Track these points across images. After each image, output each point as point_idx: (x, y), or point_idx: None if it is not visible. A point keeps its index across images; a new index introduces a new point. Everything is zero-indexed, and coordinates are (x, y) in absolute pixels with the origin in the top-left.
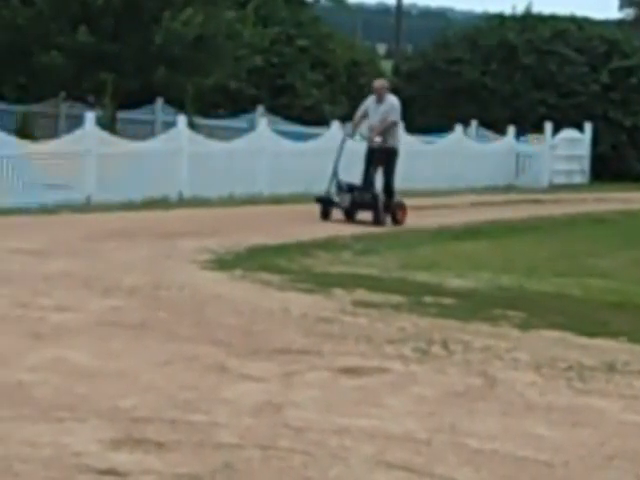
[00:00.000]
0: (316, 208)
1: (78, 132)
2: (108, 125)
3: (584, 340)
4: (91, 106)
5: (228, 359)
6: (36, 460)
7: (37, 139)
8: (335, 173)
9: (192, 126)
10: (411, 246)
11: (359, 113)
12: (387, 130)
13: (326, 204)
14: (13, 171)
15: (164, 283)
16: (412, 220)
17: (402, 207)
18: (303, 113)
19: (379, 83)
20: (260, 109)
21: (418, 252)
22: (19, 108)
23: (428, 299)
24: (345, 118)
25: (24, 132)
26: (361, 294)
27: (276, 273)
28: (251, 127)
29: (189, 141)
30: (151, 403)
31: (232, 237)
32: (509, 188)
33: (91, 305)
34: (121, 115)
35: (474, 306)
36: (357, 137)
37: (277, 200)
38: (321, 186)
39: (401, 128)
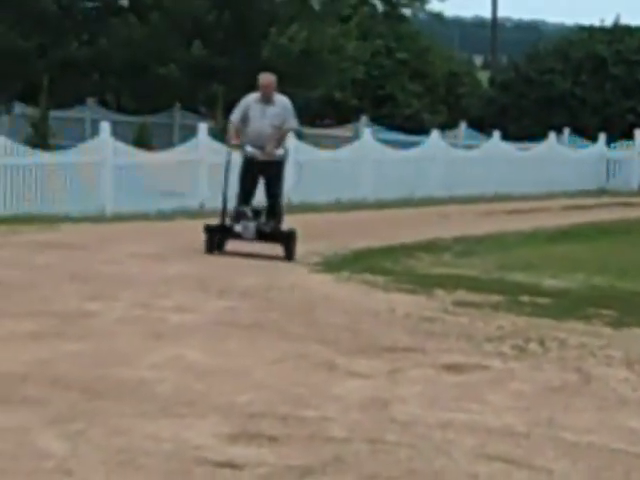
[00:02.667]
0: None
1: (192, 142)
2: (219, 135)
3: None
4: (203, 117)
5: (337, 357)
6: (158, 453)
7: (153, 149)
8: (225, 198)
9: (299, 136)
10: (508, 248)
11: (237, 116)
12: (282, 141)
13: (222, 234)
14: (131, 179)
15: (275, 285)
16: (509, 224)
17: (295, 237)
18: (404, 122)
19: (267, 79)
20: (364, 119)
21: (515, 254)
22: (137, 119)
23: (525, 298)
24: (444, 127)
25: (141, 142)
26: (461, 294)
27: (381, 275)
28: (356, 136)
29: (296, 150)
30: (265, 399)
31: (339, 241)
32: (601, 192)
33: (207, 306)
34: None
35: (569, 305)
36: (249, 148)
37: (381, 205)
38: (423, 191)
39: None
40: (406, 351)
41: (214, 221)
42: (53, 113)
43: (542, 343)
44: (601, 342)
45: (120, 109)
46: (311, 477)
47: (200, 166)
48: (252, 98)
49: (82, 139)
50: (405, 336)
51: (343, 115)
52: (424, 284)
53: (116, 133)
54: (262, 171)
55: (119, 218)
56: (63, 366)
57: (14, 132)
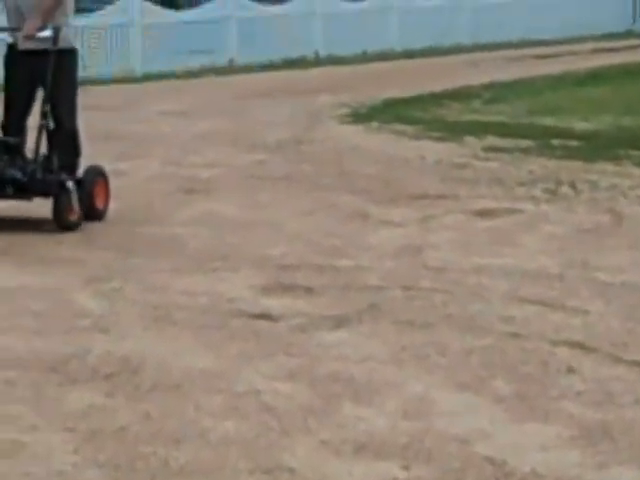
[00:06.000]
0: None
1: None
2: None
3: None
4: None
5: (369, 206)
6: (193, 308)
7: (181, 7)
8: None
9: None
10: (537, 93)
11: None
12: (53, 9)
13: None
14: (159, 38)
15: (305, 137)
16: (538, 68)
17: (102, 181)
18: None
19: None
20: None
21: (544, 98)
22: None
23: (555, 142)
24: None
25: (168, 1)
26: (491, 140)
27: (410, 124)
28: None
29: (322, 3)
30: (298, 250)
31: (367, 92)
32: (627, 34)
33: (238, 160)
34: None
35: (598, 147)
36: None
37: (408, 55)
38: (451, 40)
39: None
40: (438, 198)
41: None
42: None
43: (573, 185)
44: (631, 182)
45: None
46: (347, 326)
47: (229, 22)
48: None
49: (109, 1)
50: (436, 183)
51: None
52: (454, 131)
53: None
54: (32, 69)
55: (148, 78)
56: (97, 225)
57: None
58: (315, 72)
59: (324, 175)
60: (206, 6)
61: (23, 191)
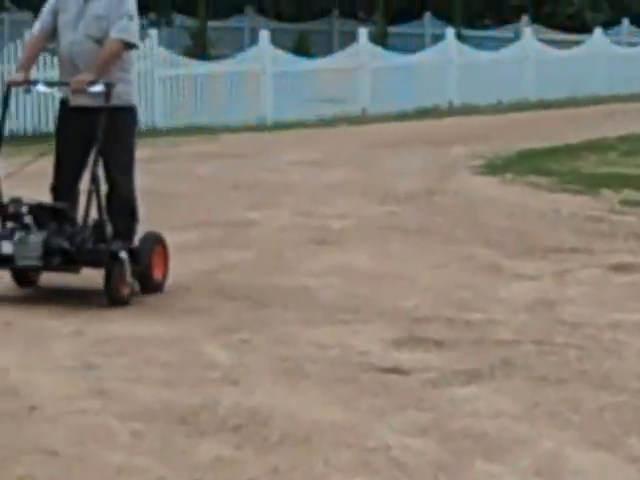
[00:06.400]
0: None
1: (352, 48)
2: (379, 40)
3: None
4: (363, 22)
5: (502, 259)
6: (323, 360)
7: (313, 56)
8: None
9: (460, 37)
10: None
11: (40, 25)
12: (109, 64)
13: None
14: (291, 87)
15: (438, 188)
16: None
17: (160, 250)
18: (566, 21)
19: None
20: (525, 19)
21: None
22: (295, 26)
23: None
24: (606, 25)
25: (300, 49)
26: (628, 193)
27: (545, 175)
28: (517, 37)
29: (457, 52)
30: (430, 303)
31: (501, 142)
32: None
33: (369, 211)
34: (391, 30)
35: None
36: (41, 87)
37: (544, 105)
38: (586, 90)
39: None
40: (573, 252)
41: None
42: (211, 23)
43: None
44: None
45: (278, 16)
46: (479, 381)
47: (361, 72)
48: None
49: (241, 48)
50: (571, 236)
51: (503, 15)
52: (589, 184)
53: (275, 41)
54: (83, 128)
55: (279, 126)
56: (227, 276)
57: (173, 43)
58: (448, 122)
59: (457, 227)
60: (338, 55)
61: (71, 262)
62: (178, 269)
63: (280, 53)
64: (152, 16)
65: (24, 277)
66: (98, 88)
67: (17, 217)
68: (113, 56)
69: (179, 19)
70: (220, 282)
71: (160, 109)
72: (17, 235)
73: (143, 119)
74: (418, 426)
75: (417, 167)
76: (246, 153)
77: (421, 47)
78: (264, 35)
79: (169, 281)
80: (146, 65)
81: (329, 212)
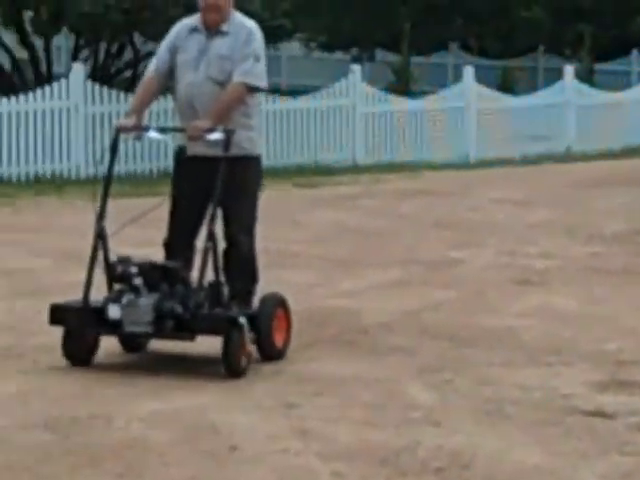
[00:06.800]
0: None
1: (557, 85)
2: (585, 77)
3: None
4: (568, 59)
5: None
6: (526, 402)
7: (517, 93)
8: (102, 239)
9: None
10: None
11: (156, 64)
12: (230, 109)
13: (82, 325)
14: (496, 124)
15: None
16: None
17: (282, 314)
18: None
19: None
20: None
21: None
22: (499, 63)
23: None
24: None
25: (505, 86)
26: None
27: None
28: None
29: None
30: (634, 346)
31: None
32: None
33: (574, 252)
34: (597, 67)
35: None
36: (153, 133)
37: None
38: None
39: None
40: None
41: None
42: (414, 59)
43: None
44: None
45: (482, 53)
46: None
47: (567, 109)
48: (186, 27)
49: (444, 85)
50: None
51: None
52: None
53: (479, 78)
54: (200, 179)
55: (482, 164)
56: (430, 315)
57: (376, 79)
58: (561, 169)
59: None
60: (542, 92)
61: (184, 328)
62: (381, 307)
63: (484, 90)
64: (354, 51)
65: (132, 342)
66: (217, 136)
67: (126, 278)
68: (235, 101)
69: (380, 54)
70: (423, 321)
71: (361, 145)
72: (125, 298)
73: (344, 155)
74: (621, 471)
75: (623, 207)
76: (448, 191)
77: (628, 84)
78: (469, 71)
79: (370, 320)
80: (348, 101)
81: (533, 252)
